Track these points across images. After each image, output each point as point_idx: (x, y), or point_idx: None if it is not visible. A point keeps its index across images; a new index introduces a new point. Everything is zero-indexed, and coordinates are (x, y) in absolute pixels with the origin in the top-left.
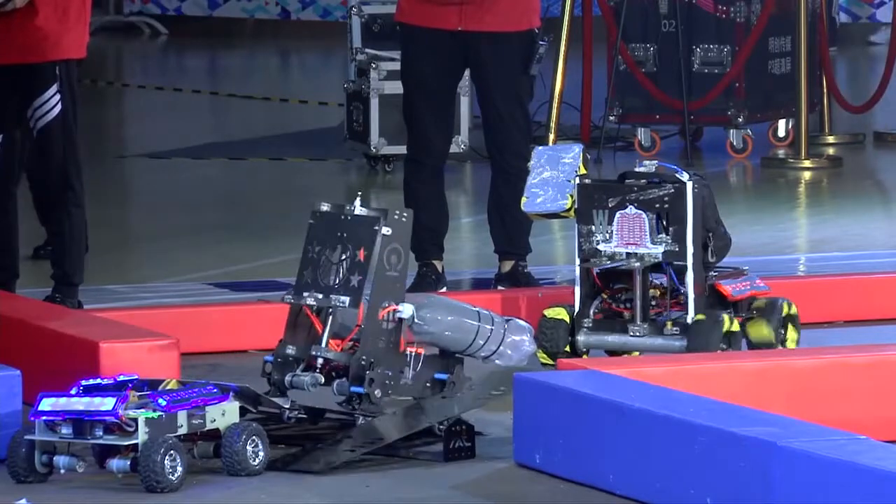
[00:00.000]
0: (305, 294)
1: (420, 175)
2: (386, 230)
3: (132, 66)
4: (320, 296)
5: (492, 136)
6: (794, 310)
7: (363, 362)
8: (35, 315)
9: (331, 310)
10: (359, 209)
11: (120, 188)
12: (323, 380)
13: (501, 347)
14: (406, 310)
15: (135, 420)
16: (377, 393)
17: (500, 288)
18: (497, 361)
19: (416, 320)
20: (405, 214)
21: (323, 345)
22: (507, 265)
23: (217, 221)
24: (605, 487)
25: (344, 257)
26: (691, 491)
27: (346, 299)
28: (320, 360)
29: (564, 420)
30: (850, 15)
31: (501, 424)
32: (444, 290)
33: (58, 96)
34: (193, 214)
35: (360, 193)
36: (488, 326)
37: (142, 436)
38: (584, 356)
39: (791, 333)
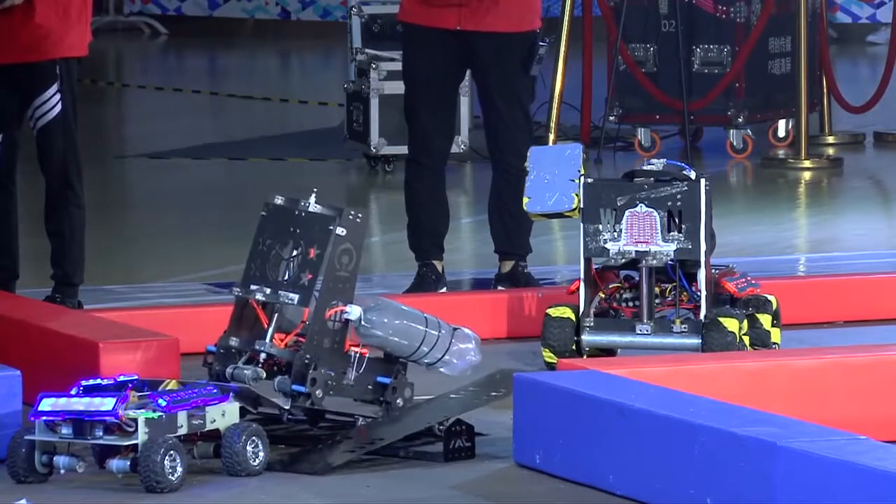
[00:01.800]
0: (253, 287)
1: (420, 175)
2: (340, 230)
3: (132, 66)
4: (268, 290)
5: (493, 136)
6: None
7: (306, 361)
8: (35, 315)
9: (278, 305)
10: (313, 206)
11: (120, 188)
12: (264, 375)
13: (447, 356)
14: (354, 311)
15: (135, 420)
16: (318, 393)
17: (499, 288)
18: (441, 369)
19: (363, 322)
20: (360, 215)
21: (267, 340)
22: (508, 265)
23: (217, 221)
24: (605, 487)
25: (295, 254)
26: (691, 491)
27: (295, 296)
28: (263, 355)
29: (564, 420)
30: (850, 15)
31: (501, 424)
32: (444, 290)
33: (58, 95)
34: (193, 214)
35: (315, 190)
36: (434, 333)
37: (142, 436)
38: (584, 356)
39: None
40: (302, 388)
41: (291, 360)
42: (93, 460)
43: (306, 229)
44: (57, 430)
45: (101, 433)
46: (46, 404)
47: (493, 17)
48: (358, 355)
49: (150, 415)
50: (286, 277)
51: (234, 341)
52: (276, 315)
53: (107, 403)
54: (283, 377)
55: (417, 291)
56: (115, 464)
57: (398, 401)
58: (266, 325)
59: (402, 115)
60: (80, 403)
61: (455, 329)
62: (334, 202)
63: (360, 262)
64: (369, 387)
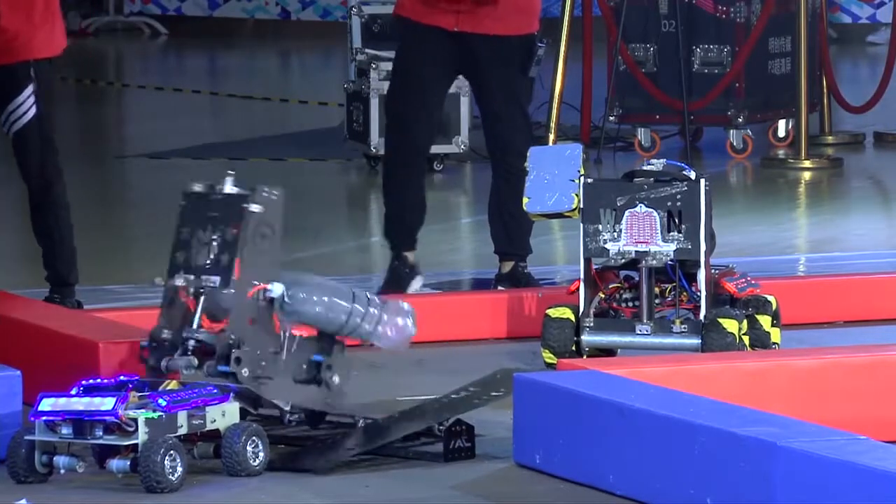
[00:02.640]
0: (177, 276)
1: (399, 167)
2: (255, 207)
3: (132, 67)
4: (192, 277)
5: (493, 138)
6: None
7: (230, 341)
8: (35, 315)
9: (203, 290)
10: (229, 187)
11: (120, 188)
12: (196, 362)
13: (379, 328)
14: (276, 289)
15: (135, 420)
16: (245, 372)
17: (500, 288)
18: (375, 342)
19: (285, 299)
20: (275, 192)
21: (195, 326)
22: (507, 266)
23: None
24: (605, 487)
25: (215, 237)
26: (691, 491)
27: (217, 279)
28: (192, 343)
29: (564, 420)
30: (850, 15)
31: (501, 424)
32: (419, 281)
33: (32, 98)
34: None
35: (230, 172)
36: (361, 307)
37: (142, 436)
38: (584, 356)
39: (776, 330)
40: (226, 369)
41: (212, 341)
42: (93, 460)
43: (223, 211)
44: (57, 430)
45: (101, 433)
46: (46, 404)
47: (492, 20)
48: (288, 334)
49: (150, 415)
50: (208, 262)
51: (165, 333)
52: (202, 300)
53: (107, 403)
54: (211, 361)
55: (391, 285)
56: (115, 464)
57: (334, 378)
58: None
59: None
60: (80, 403)
61: (386, 303)
62: (253, 184)
63: (279, 239)
64: (304, 366)
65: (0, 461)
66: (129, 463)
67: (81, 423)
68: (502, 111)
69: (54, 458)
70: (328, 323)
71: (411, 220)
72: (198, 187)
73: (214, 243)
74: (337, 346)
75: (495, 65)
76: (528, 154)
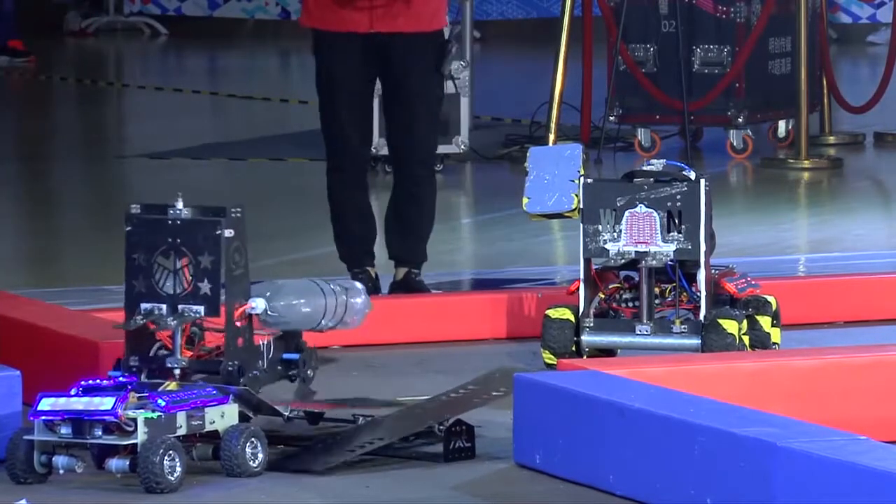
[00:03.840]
0: (146, 306)
1: (345, 184)
2: (228, 232)
3: (132, 67)
4: (164, 306)
5: (399, 141)
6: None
7: (231, 369)
8: (35, 315)
9: (183, 319)
10: (185, 211)
11: (120, 188)
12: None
13: (346, 317)
14: (259, 304)
15: (134, 420)
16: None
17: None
18: (338, 328)
19: (269, 313)
20: (238, 210)
21: (178, 355)
22: (401, 272)
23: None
24: (605, 488)
25: (183, 264)
26: (691, 491)
27: (201, 308)
28: (177, 371)
29: (564, 420)
30: (850, 15)
31: (501, 424)
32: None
33: None
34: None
35: (179, 194)
36: (333, 301)
37: (141, 436)
38: (584, 357)
39: (776, 330)
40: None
41: (205, 368)
42: (91, 460)
43: (189, 237)
44: (56, 430)
45: (100, 433)
46: (45, 404)
47: (406, 17)
48: (265, 343)
49: (150, 415)
50: (181, 290)
51: (133, 360)
52: (178, 329)
53: (106, 403)
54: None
55: None
56: (115, 464)
57: (309, 372)
58: (162, 339)
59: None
60: (79, 403)
61: (346, 288)
62: (201, 202)
63: (247, 254)
64: (278, 367)
65: (0, 462)
66: (128, 463)
67: (81, 422)
68: (417, 113)
69: (53, 458)
70: (307, 323)
71: (362, 233)
72: (136, 209)
73: (185, 271)
74: (301, 339)
75: (411, 64)
76: (435, 160)
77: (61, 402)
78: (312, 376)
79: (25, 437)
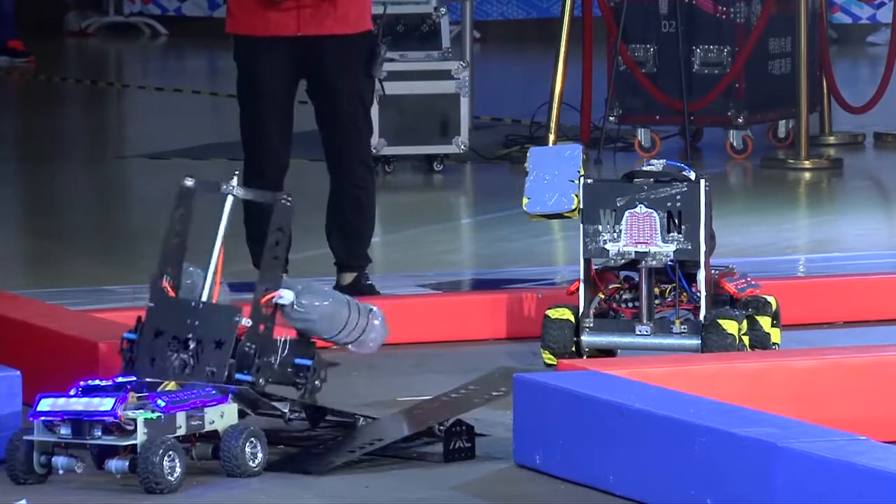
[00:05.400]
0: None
1: (259, 188)
2: (245, 321)
3: (132, 67)
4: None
5: (335, 144)
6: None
7: (249, 349)
8: (35, 315)
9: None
10: (238, 189)
11: (120, 189)
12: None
13: (363, 336)
14: (287, 296)
15: (134, 420)
16: (262, 381)
17: None
18: (352, 348)
19: (295, 307)
20: (288, 198)
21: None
22: (349, 277)
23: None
24: (605, 488)
25: (195, 347)
26: (691, 491)
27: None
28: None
29: (564, 420)
30: (850, 15)
31: (502, 425)
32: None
33: None
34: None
35: (237, 172)
36: (356, 315)
37: (140, 437)
38: (584, 357)
39: (776, 330)
40: (246, 377)
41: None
42: (91, 461)
43: (207, 322)
44: (55, 431)
45: (99, 433)
46: (45, 404)
47: (333, 19)
48: (283, 340)
49: (149, 415)
50: (188, 370)
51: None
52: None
53: (105, 404)
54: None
55: None
56: (114, 464)
57: (317, 382)
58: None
59: (403, 116)
60: (79, 404)
61: (370, 310)
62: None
63: (290, 244)
64: (289, 370)
65: (1, 462)
66: (127, 463)
67: (80, 423)
68: (347, 117)
69: (53, 459)
70: (327, 330)
71: None
72: (191, 182)
73: (198, 351)
74: (316, 350)
75: (341, 66)
76: (371, 162)
77: (61, 403)
78: (319, 387)
79: (25, 438)
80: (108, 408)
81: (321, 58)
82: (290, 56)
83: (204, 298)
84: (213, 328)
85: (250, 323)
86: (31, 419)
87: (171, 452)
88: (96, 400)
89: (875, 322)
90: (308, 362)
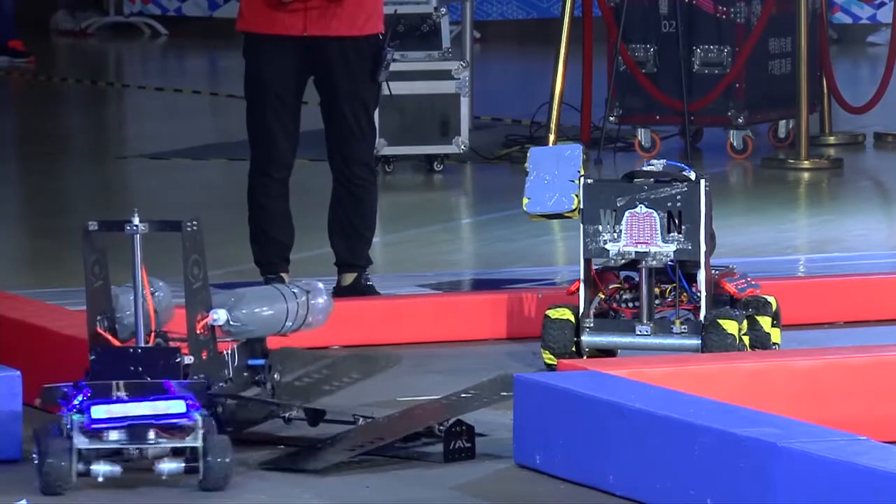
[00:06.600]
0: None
1: (270, 189)
2: (188, 359)
3: (132, 67)
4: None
5: (338, 145)
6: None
7: (200, 381)
8: (35, 315)
9: None
10: (141, 225)
11: (120, 189)
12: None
13: (309, 317)
14: (220, 315)
15: (197, 420)
16: (219, 409)
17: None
18: (302, 329)
19: (231, 323)
20: (194, 223)
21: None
22: (349, 278)
23: (217, 222)
24: (605, 488)
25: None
26: (691, 491)
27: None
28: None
29: (564, 420)
30: (850, 15)
31: (502, 425)
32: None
33: None
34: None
35: (136, 209)
36: (294, 304)
37: (200, 437)
38: (584, 357)
39: (776, 330)
40: (207, 412)
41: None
42: (131, 465)
43: (151, 364)
44: (102, 437)
45: (153, 437)
46: (100, 412)
47: (339, 21)
48: (229, 352)
49: (205, 414)
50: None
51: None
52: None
53: (174, 406)
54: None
55: None
56: (166, 467)
57: (276, 376)
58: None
59: (403, 116)
60: (140, 408)
61: (307, 290)
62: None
63: (207, 265)
64: (245, 374)
65: (2, 462)
66: (182, 465)
67: (138, 428)
68: (350, 118)
69: (92, 467)
70: (270, 329)
71: (281, 238)
72: (94, 226)
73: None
74: (265, 346)
75: (345, 69)
76: (374, 163)
77: (117, 409)
78: (280, 380)
79: (77, 447)
80: (182, 409)
81: (326, 59)
82: (296, 56)
83: (141, 343)
84: (158, 373)
85: (191, 358)
86: (90, 427)
87: (230, 451)
88: (162, 403)
89: (875, 322)
90: (261, 362)
